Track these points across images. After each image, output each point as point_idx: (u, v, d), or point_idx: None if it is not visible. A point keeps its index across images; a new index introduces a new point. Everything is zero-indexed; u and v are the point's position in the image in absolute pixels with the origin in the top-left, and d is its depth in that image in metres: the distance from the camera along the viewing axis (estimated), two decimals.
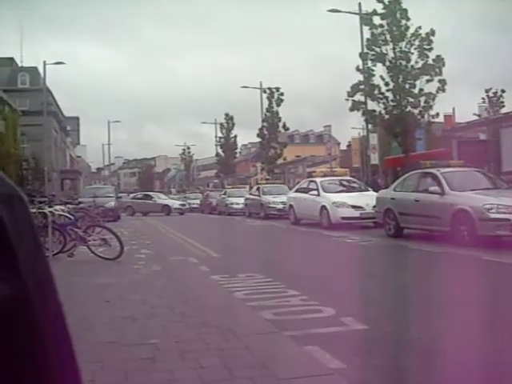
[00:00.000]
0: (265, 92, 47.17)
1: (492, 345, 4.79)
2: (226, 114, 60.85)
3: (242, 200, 32.10)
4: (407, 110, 26.07)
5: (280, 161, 49.41)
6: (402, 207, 14.74)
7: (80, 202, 17.21)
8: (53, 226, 11.98)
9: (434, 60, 25.54)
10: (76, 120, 79.50)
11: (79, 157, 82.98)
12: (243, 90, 48.31)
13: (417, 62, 25.80)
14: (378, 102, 26.60)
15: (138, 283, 8.31)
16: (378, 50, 26.46)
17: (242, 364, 4.14)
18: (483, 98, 41.95)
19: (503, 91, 41.57)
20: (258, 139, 49.11)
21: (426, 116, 26.78)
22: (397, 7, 25.96)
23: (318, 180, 21.14)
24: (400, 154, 28.18)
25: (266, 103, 47.29)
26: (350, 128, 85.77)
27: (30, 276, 0.68)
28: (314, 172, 24.45)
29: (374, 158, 30.62)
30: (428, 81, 25.59)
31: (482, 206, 11.99)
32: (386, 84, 26.26)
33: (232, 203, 34.08)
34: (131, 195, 47.17)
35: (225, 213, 34.64)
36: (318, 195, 20.07)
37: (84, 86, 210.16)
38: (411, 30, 25.90)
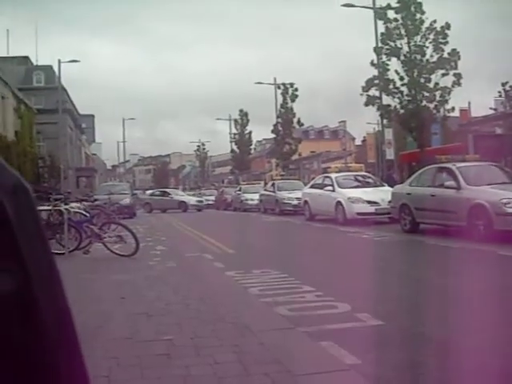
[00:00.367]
0: (279, 88, 47.16)
1: (509, 341, 4.74)
2: (241, 110, 60.93)
3: (256, 196, 32.11)
4: (422, 104, 25.92)
5: (295, 156, 49.33)
6: (417, 202, 14.65)
7: (95, 200, 17.27)
8: (69, 223, 12.06)
9: (449, 54, 25.36)
10: (91, 118, 79.83)
11: (94, 154, 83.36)
12: (257, 85, 48.43)
13: (432, 56, 25.65)
14: (393, 97, 26.48)
15: (153, 279, 8.34)
16: (392, 44, 26.32)
17: (256, 360, 4.13)
18: (499, 92, 41.54)
19: None
20: (273, 135, 49.13)
21: (441, 110, 26.61)
22: (411, 1, 25.80)
23: (333, 175, 21.06)
24: (415, 149, 28.03)
25: (280, 99, 47.30)
26: (364, 123, 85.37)
27: (33, 268, 0.67)
28: (329, 167, 24.35)
29: (390, 153, 30.45)
30: (443, 75, 25.43)
31: (499, 200, 11.89)
32: (401, 78, 26.11)
33: (247, 199, 34.10)
34: (148, 192, 47.52)
35: (240, 209, 34.66)
36: (333, 191, 20.00)
37: (99, 84, 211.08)
38: (426, 24, 25.76)
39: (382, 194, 18.29)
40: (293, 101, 47.00)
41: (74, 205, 13.89)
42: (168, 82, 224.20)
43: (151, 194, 42.54)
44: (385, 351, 4.60)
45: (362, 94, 27.08)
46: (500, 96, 41.58)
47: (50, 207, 13.08)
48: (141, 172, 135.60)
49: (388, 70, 26.58)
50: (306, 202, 22.51)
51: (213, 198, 44.52)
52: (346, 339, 4.79)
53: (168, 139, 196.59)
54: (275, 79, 47.37)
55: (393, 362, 4.28)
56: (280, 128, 47.16)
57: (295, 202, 25.93)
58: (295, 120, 47.12)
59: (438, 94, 25.66)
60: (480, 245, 11.07)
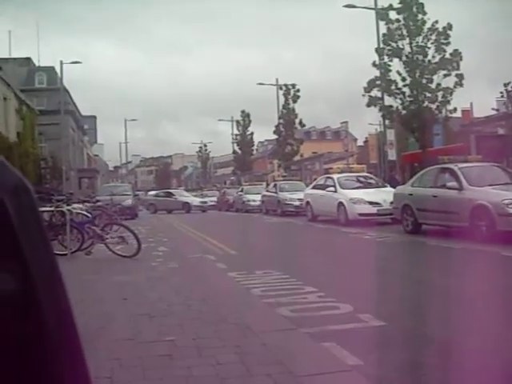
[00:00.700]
0: (281, 89, 47.16)
1: (511, 341, 4.74)
2: (243, 111, 60.98)
3: (258, 197, 32.09)
4: (424, 105, 25.88)
5: (297, 157, 49.37)
6: (419, 203, 14.64)
7: (97, 201, 17.28)
8: (71, 224, 12.06)
9: (451, 54, 25.33)
10: (93, 119, 80.00)
11: (96, 155, 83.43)
12: (259, 86, 48.37)
13: (434, 57, 25.61)
14: (395, 98, 26.45)
15: (155, 280, 8.34)
16: (394, 44, 26.29)
17: (259, 361, 4.13)
18: (501, 93, 41.46)
19: None
20: (275, 136, 49.15)
21: (443, 111, 26.57)
22: (413, 1, 25.77)
23: (335, 176, 21.06)
24: (417, 150, 27.99)
25: (282, 100, 47.29)
26: (366, 124, 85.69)
27: (35, 268, 0.67)
28: (331, 168, 24.36)
29: (392, 154, 30.42)
30: (445, 75, 25.39)
31: (501, 201, 11.88)
32: (403, 79, 26.09)
33: (249, 200, 34.10)
34: (152, 193, 47.67)
35: (242, 210, 34.66)
36: (335, 192, 19.99)
37: (101, 85, 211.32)
38: (428, 25, 25.72)
39: (384, 195, 18.27)
40: (295, 102, 47.01)
41: (76, 206, 13.90)
42: (170, 82, 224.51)
43: (156, 195, 42.57)
44: (387, 352, 4.59)
45: (363, 95, 27.06)
46: (502, 96, 41.49)
47: (52, 208, 13.10)
48: (143, 173, 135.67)
49: (390, 70, 26.55)
50: (307, 202, 22.52)
51: (215, 199, 44.52)
52: (348, 340, 4.79)
53: (170, 140, 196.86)
54: (277, 80, 47.42)
55: (395, 363, 4.28)
56: (282, 129, 47.18)
57: (297, 203, 25.93)
58: (297, 121, 47.14)
59: (440, 94, 25.62)
60: (482, 246, 11.06)
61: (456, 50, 25.33)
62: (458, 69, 25.20)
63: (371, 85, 26.89)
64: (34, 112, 42.69)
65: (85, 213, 13.21)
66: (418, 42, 25.76)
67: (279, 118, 47.27)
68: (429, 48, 25.67)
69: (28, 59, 55.34)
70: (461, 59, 25.30)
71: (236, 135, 61.29)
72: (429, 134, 28.21)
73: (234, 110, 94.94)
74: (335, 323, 5.46)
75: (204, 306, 6.24)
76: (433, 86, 25.64)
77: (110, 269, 9.93)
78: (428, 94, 25.76)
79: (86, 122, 68.91)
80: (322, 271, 9.29)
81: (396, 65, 26.35)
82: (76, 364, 0.70)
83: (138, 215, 30.99)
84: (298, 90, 46.90)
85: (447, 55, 25.37)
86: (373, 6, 27.93)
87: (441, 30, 25.48)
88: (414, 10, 25.79)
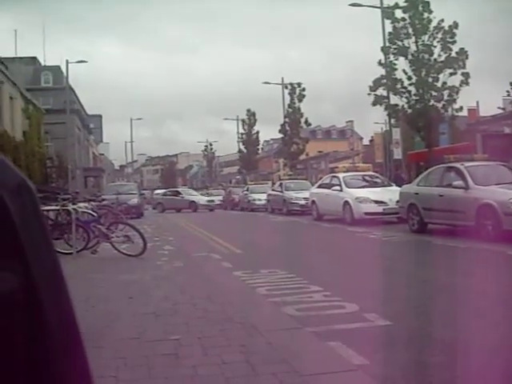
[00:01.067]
0: (286, 88, 47.11)
1: None
2: (248, 110, 60.95)
3: (264, 196, 32.09)
4: (430, 103, 25.82)
5: (302, 156, 49.28)
6: (425, 202, 14.61)
7: (103, 199, 17.32)
8: (76, 223, 12.09)
9: (457, 53, 25.25)
10: (99, 118, 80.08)
11: (102, 154, 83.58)
12: (265, 85, 48.34)
13: (440, 56, 25.54)
14: (401, 96, 26.40)
15: (160, 279, 8.34)
16: (400, 43, 26.23)
17: (264, 360, 4.12)
18: (508, 91, 41.30)
19: None
20: (280, 135, 49.13)
21: (449, 110, 26.52)
22: (419, 0, 25.71)
23: (341, 175, 21.03)
24: (423, 149, 27.93)
25: (287, 99, 47.26)
26: (372, 123, 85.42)
27: (37, 267, 0.66)
28: (337, 167, 24.31)
29: (397, 153, 30.35)
30: (451, 74, 25.32)
31: (508, 200, 11.84)
32: (409, 78, 26.03)
33: (254, 199, 34.09)
34: (159, 191, 47.92)
35: (247, 209, 34.67)
36: (341, 191, 19.97)
37: (106, 84, 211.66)
38: (434, 23, 25.65)
39: (390, 194, 18.24)
40: (300, 101, 46.96)
41: (81, 205, 13.94)
42: (175, 82, 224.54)
43: (163, 194, 42.68)
44: (393, 352, 4.58)
45: (369, 94, 27.01)
46: (508, 95, 41.26)
47: (57, 207, 13.13)
48: (148, 172, 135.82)
49: (396, 69, 26.49)
50: (313, 201, 22.50)
51: (220, 197, 44.52)
52: (353, 339, 4.78)
53: (175, 139, 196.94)
54: (283, 79, 47.37)
55: (401, 363, 4.27)
56: (287, 128, 47.15)
57: (303, 202, 25.91)
58: (303, 120, 47.09)
59: (445, 93, 25.55)
60: (489, 245, 11.03)
61: (462, 49, 25.26)
62: (463, 67, 25.13)
63: (377, 84, 26.84)
64: (40, 111, 42.77)
65: (90, 212, 13.24)
66: (423, 41, 25.70)
67: (285, 116, 47.23)
68: (435, 47, 25.60)
69: (34, 58, 55.45)
70: (467, 58, 25.23)
71: (241, 134, 61.29)
72: (435, 132, 28.13)
73: (239, 109, 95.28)
74: (341, 322, 5.45)
75: (209, 304, 6.24)
76: (439, 84, 25.58)
77: (116, 268, 9.95)
78: (434, 93, 25.70)
79: (92, 121, 69.03)
80: (327, 270, 9.28)
81: (402, 63, 26.32)
82: (78, 363, 0.70)
83: (143, 214, 31.04)
84: (304, 89, 46.88)
85: (453, 54, 25.29)
86: (378, 5, 27.85)
87: (447, 28, 25.42)
88: (420, 8, 25.72)
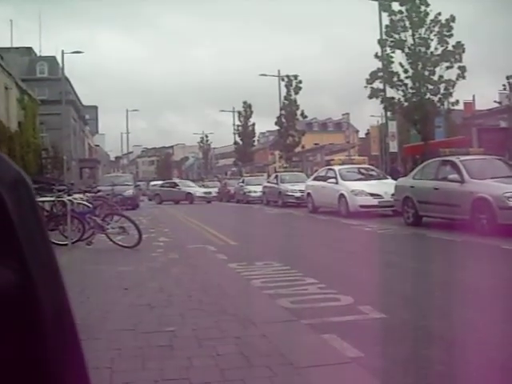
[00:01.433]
0: (283, 80, 47.01)
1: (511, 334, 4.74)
2: (244, 102, 60.79)
3: (259, 188, 32.09)
4: (426, 97, 25.83)
5: (298, 149, 49.27)
6: (420, 195, 14.63)
7: (99, 191, 17.29)
8: (72, 215, 12.07)
9: (453, 46, 25.26)
10: (94, 109, 79.85)
11: (98, 146, 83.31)
12: (261, 77, 48.16)
13: (436, 49, 25.54)
14: (397, 90, 26.40)
15: (155, 271, 8.34)
16: (396, 36, 26.22)
17: (259, 352, 4.13)
18: (504, 85, 41.32)
19: None
20: (276, 127, 49.01)
21: (445, 103, 26.54)
22: None
23: (337, 168, 21.04)
24: (419, 142, 27.97)
25: (284, 91, 47.19)
26: (368, 116, 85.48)
27: (34, 264, 0.66)
28: (333, 160, 24.32)
29: (393, 146, 30.37)
30: (448, 67, 25.33)
31: (502, 194, 11.86)
32: (405, 71, 26.03)
33: (250, 191, 34.09)
34: (154, 183, 47.97)
35: (243, 201, 34.68)
36: (337, 183, 19.98)
37: (102, 75, 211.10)
38: (431, 17, 25.63)
39: (386, 187, 18.26)
40: (296, 93, 46.87)
41: (77, 196, 13.91)
42: (171, 73, 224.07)
43: (161, 186, 42.69)
44: (387, 344, 4.60)
45: (365, 87, 26.99)
46: (504, 89, 41.35)
47: (53, 198, 13.10)
48: (144, 163, 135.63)
49: (392, 62, 26.48)
50: (309, 194, 22.51)
51: (216, 189, 44.50)
52: (348, 332, 4.79)
53: (171, 131, 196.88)
54: (279, 71, 47.26)
55: (395, 356, 4.28)
56: (283, 120, 47.09)
57: (298, 194, 25.94)
58: (299, 112, 47.03)
59: (442, 86, 25.56)
60: (483, 238, 11.06)
61: (459, 42, 25.26)
62: (460, 61, 25.13)
63: (373, 76, 26.82)
64: (35, 102, 42.59)
65: (86, 203, 13.22)
66: (420, 34, 25.68)
67: (281, 109, 47.16)
68: (431, 40, 25.60)
69: (29, 49, 55.20)
70: (463, 51, 25.23)
71: (237, 126, 61.14)
72: (430, 126, 28.16)
73: (235, 101, 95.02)
74: (336, 315, 5.46)
75: (204, 296, 6.24)
76: (435, 78, 25.58)
77: (111, 259, 9.94)
78: (430, 86, 25.70)
79: (88, 112, 68.81)
80: (322, 263, 9.29)
81: (398, 56, 26.32)
82: (74, 361, 0.69)
83: (139, 205, 31.00)
84: (300, 82, 46.77)
85: (450, 47, 25.30)
86: None
87: (444, 21, 25.41)
88: (417, 1, 25.70)
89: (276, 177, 30.29)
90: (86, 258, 10.25)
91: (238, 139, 61.11)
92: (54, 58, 49.89)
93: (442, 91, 25.64)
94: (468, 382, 3.80)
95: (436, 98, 25.91)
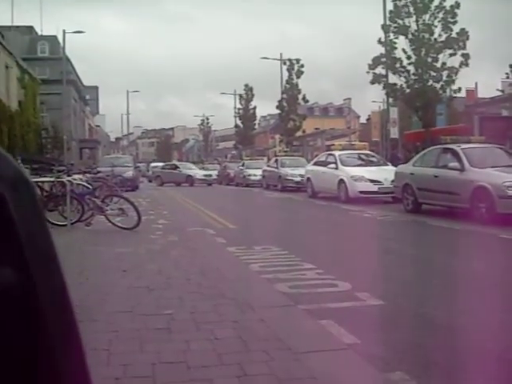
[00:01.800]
0: (285, 63, 46.86)
1: (508, 322, 4.75)
2: (246, 85, 60.65)
3: (259, 172, 32.08)
4: (429, 84, 25.76)
5: (299, 133, 49.22)
6: (420, 182, 14.62)
7: (98, 172, 17.26)
8: (71, 195, 12.05)
9: (457, 33, 25.15)
10: (95, 89, 79.56)
11: (98, 126, 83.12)
12: (263, 61, 48.03)
13: (440, 36, 25.43)
14: (400, 76, 26.32)
15: (154, 253, 8.34)
16: (400, 22, 26.10)
17: (256, 336, 4.14)
18: (507, 74, 41.17)
19: None
20: (278, 111, 48.94)
21: (447, 91, 26.47)
22: None
23: (337, 153, 21.01)
24: (420, 129, 27.91)
25: (285, 75, 47.02)
26: (370, 101, 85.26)
27: (35, 263, 0.65)
28: (333, 145, 24.31)
29: (394, 132, 30.34)
30: (451, 55, 25.24)
31: (502, 183, 11.86)
32: (408, 57, 25.93)
33: (250, 175, 34.09)
34: (154, 164, 47.94)
35: (242, 184, 34.69)
36: (337, 169, 19.97)
37: (104, 56, 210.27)
38: (435, 3, 25.49)
39: (386, 174, 18.26)
40: (298, 77, 46.74)
41: (76, 176, 13.88)
42: (173, 54, 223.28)
43: (162, 168, 42.72)
44: (384, 331, 4.61)
45: (368, 72, 26.93)
46: (507, 77, 41.21)
47: (52, 179, 13.09)
48: (144, 145, 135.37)
49: (395, 48, 26.38)
50: (308, 179, 22.50)
51: (216, 172, 44.46)
52: (345, 318, 4.80)
53: (172, 112, 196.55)
54: (281, 55, 47.08)
55: (392, 342, 4.30)
56: (285, 104, 46.98)
57: (298, 179, 25.96)
58: (300, 96, 46.90)
59: (444, 73, 25.49)
60: (482, 227, 11.07)
61: (463, 29, 25.15)
62: (464, 48, 25.03)
63: (376, 62, 26.72)
64: (36, 81, 42.39)
65: (85, 184, 13.19)
66: (424, 20, 25.55)
67: (282, 92, 47.03)
68: (435, 26, 25.48)
69: (30, 27, 54.86)
70: (467, 39, 25.11)
71: (238, 109, 61.02)
72: (432, 113, 28.09)
73: (237, 84, 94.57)
74: (333, 301, 5.48)
75: (203, 280, 6.25)
76: (438, 64, 25.50)
77: (110, 241, 9.94)
78: (433, 73, 25.63)
79: (88, 92, 68.55)
80: (321, 248, 9.31)
81: (401, 42, 26.22)
82: (74, 359, 0.69)
83: (138, 187, 30.96)
84: (302, 66, 46.63)
85: (454, 34, 25.19)
86: None
87: (448, 8, 25.26)
88: None
89: (276, 161, 30.29)
90: (84, 239, 10.25)
91: (238, 122, 61.01)
92: (55, 37, 49.58)
93: (444, 78, 25.57)
94: (465, 370, 3.81)
95: (438, 85, 25.85)
